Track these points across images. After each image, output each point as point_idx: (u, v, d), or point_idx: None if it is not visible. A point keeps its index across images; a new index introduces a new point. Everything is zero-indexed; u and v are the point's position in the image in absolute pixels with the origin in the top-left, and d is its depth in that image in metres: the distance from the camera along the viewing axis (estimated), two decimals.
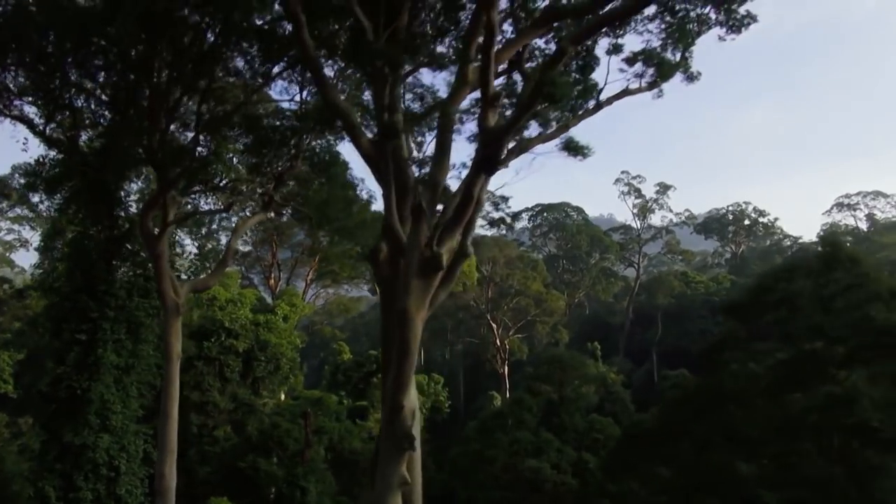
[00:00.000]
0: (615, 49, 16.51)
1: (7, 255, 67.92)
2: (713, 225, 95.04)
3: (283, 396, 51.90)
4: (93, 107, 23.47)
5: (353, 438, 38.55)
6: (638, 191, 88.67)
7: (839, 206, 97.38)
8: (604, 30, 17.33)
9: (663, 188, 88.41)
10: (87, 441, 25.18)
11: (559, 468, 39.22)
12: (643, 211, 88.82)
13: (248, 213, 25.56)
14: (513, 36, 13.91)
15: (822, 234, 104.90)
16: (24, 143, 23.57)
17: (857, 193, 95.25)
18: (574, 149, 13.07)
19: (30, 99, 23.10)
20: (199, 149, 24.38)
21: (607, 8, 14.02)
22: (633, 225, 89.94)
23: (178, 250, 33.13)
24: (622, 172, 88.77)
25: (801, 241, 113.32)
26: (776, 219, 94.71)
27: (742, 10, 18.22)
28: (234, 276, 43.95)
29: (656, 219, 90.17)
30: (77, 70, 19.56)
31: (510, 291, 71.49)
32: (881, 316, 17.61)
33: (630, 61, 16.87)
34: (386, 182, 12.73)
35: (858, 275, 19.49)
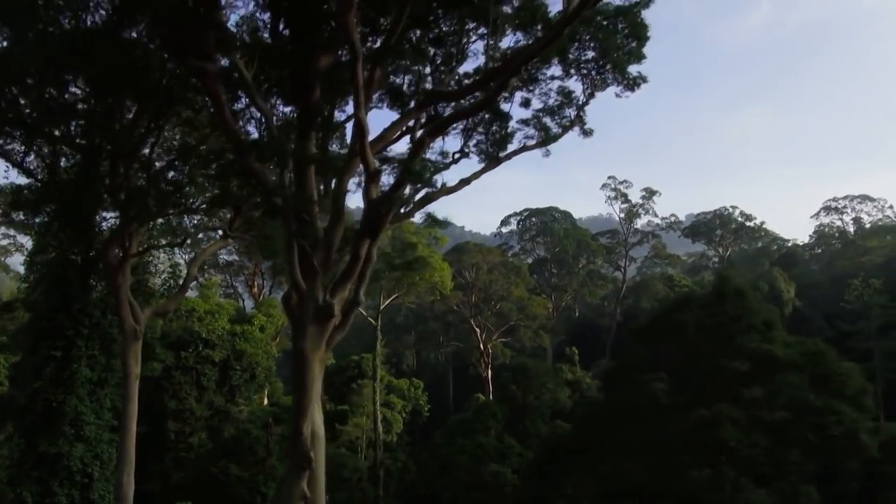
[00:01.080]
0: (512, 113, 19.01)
1: (3, 259, 70.65)
2: (700, 228, 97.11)
3: (265, 401, 54.77)
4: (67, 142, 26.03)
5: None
6: (625, 196, 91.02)
7: (827, 209, 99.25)
8: (516, 84, 19.99)
9: (649, 193, 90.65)
10: (61, 450, 27.84)
11: (520, 473, 41.74)
12: (629, 215, 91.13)
13: (209, 241, 27.95)
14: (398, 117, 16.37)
15: (812, 236, 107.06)
16: (4, 173, 26.04)
17: (845, 197, 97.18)
18: (436, 221, 15.57)
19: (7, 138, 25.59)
20: (172, 173, 26.95)
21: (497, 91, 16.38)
22: (620, 229, 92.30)
23: (153, 269, 35.87)
24: (609, 178, 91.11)
25: (789, 243, 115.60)
26: (762, 222, 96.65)
27: (634, 72, 20.71)
28: (213, 287, 46.58)
29: (642, 223, 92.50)
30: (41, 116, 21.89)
31: (493, 297, 73.93)
32: (754, 345, 19.94)
33: (525, 122, 19.37)
34: (289, 242, 15.23)
35: (742, 307, 21.84)
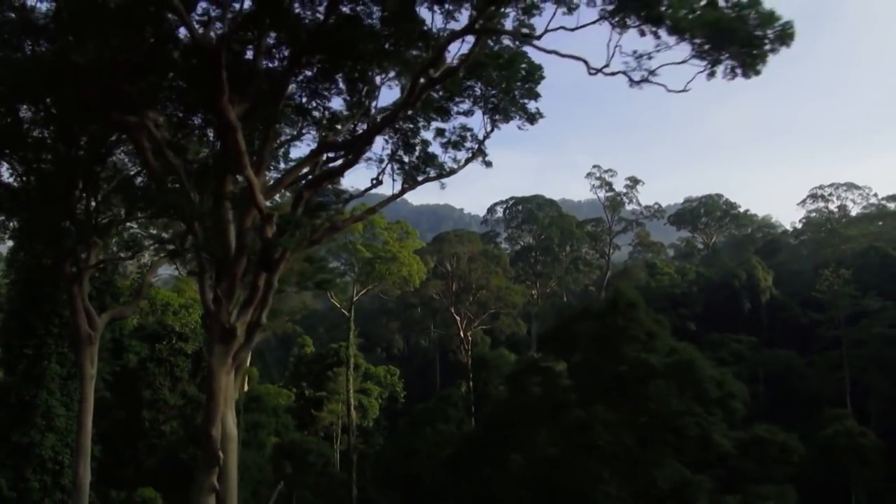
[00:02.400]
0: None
1: None
2: (685, 217, 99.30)
3: (245, 387, 58.08)
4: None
5: (288, 431, 44.28)
6: (609, 185, 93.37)
7: (813, 196, 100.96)
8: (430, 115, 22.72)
9: (633, 182, 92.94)
10: (34, 440, 31.11)
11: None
12: (614, 204, 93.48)
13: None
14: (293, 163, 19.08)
15: (798, 224, 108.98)
16: None
17: (831, 185, 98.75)
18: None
19: None
20: (140, 180, 29.72)
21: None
22: (604, 217, 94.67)
23: (121, 271, 38.93)
24: (594, 167, 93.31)
25: (780, 230, 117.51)
26: (747, 210, 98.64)
27: (532, 107, 23.35)
28: (188, 282, 49.54)
29: (628, 210, 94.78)
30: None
31: (472, 286, 76.66)
32: (634, 355, 22.68)
33: (427, 157, 22.06)
34: (200, 273, 18.06)
35: (631, 319, 24.53)
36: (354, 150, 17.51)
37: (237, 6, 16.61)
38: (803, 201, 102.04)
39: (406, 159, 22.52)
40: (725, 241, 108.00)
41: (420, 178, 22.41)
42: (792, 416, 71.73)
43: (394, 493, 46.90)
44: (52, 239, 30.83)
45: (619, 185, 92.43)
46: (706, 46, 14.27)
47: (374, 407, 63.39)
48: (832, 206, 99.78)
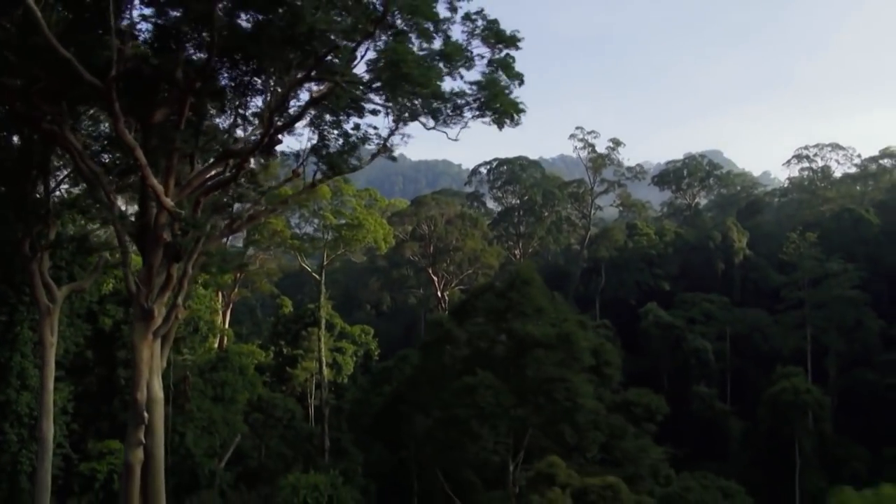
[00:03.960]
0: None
1: None
2: (668, 177, 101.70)
3: (225, 343, 62.63)
4: None
5: (255, 388, 48.50)
6: (592, 146, 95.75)
7: (798, 157, 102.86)
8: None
9: (615, 143, 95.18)
10: (9, 398, 35.21)
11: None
12: (596, 165, 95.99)
13: None
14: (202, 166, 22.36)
15: (784, 184, 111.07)
16: None
17: (816, 145, 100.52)
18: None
19: None
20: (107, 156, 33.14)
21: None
22: (586, 179, 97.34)
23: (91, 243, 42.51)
24: (577, 128, 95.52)
25: (769, 188, 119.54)
26: (729, 171, 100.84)
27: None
28: None
29: (609, 173, 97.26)
30: None
31: (449, 248, 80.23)
32: (521, 327, 26.21)
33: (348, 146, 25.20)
34: (123, 262, 21.59)
35: (523, 295, 27.96)
36: (232, 175, 20.89)
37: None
38: (788, 162, 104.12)
39: (324, 153, 25.66)
40: (713, 202, 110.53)
41: (334, 172, 25.60)
42: (756, 373, 75.79)
43: (359, 442, 51.33)
44: (7, 222, 34.47)
45: (602, 146, 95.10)
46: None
47: (349, 364, 67.57)
48: (816, 167, 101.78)
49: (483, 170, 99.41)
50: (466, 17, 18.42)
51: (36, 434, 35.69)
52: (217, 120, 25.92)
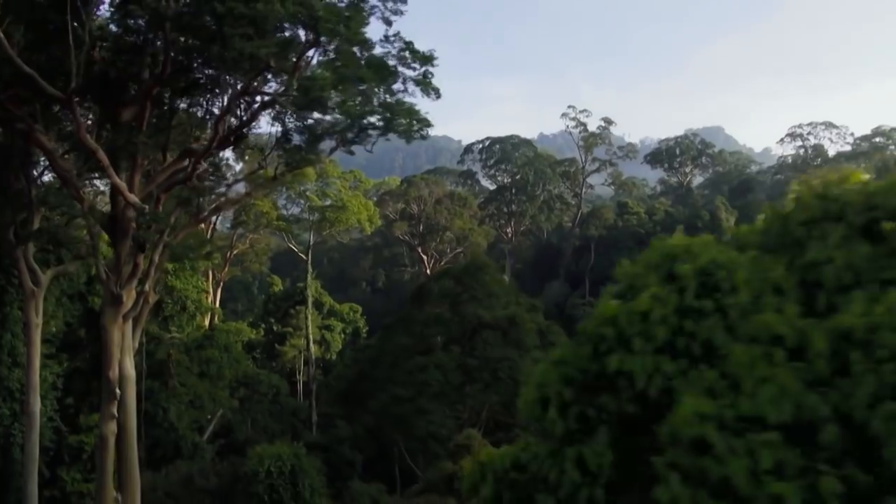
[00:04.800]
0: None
1: None
2: (661, 156, 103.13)
3: (217, 319, 65.27)
4: None
5: (240, 365, 51.05)
6: (584, 125, 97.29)
7: (791, 136, 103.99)
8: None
9: (607, 122, 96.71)
10: (1, 374, 37.81)
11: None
12: (588, 144, 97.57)
13: None
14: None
15: (779, 162, 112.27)
16: None
17: (809, 124, 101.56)
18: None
19: None
20: None
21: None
22: (578, 158, 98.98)
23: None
24: (569, 107, 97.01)
25: (764, 165, 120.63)
26: (720, 150, 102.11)
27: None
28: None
29: (601, 151, 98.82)
30: None
31: (437, 227, 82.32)
32: (471, 310, 28.45)
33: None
34: (94, 252, 23.83)
35: (476, 280, 30.15)
36: (191, 171, 23.07)
37: None
38: (782, 140, 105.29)
39: (287, 146, 27.72)
40: (707, 181, 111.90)
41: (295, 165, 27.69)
42: None
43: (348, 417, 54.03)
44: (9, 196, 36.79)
45: (594, 125, 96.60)
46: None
47: (337, 341, 70.23)
48: (809, 146, 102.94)
49: (476, 149, 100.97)
50: (386, 39, 20.35)
51: (22, 409, 38.58)
52: (193, 109, 28.02)
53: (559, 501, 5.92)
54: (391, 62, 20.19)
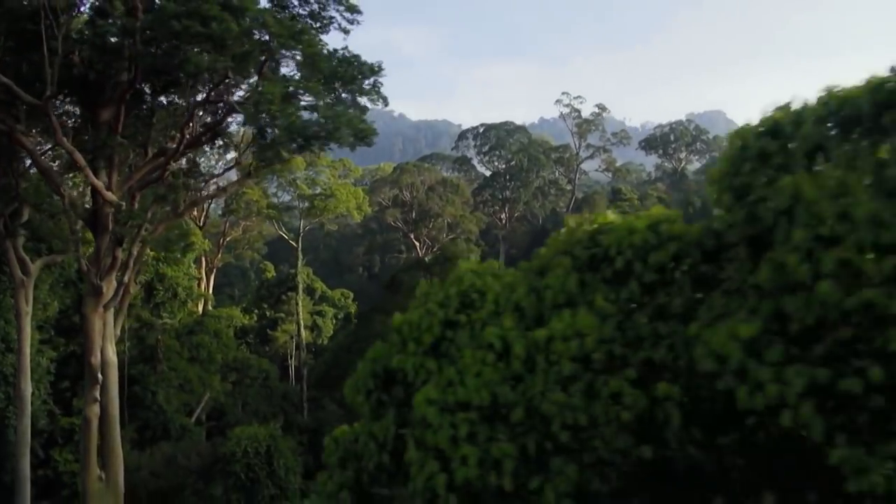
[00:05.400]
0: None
1: None
2: (655, 142, 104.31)
3: (210, 306, 67.19)
4: None
5: (230, 350, 53.03)
6: (578, 111, 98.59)
7: None
8: None
9: (601, 109, 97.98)
10: None
11: None
12: (581, 130, 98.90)
13: None
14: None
15: None
16: None
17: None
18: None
19: None
20: None
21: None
22: (571, 144, 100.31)
23: None
24: (563, 93, 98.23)
25: None
26: (715, 136, 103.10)
27: None
28: None
29: (595, 137, 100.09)
30: None
31: (429, 214, 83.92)
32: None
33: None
34: (75, 247, 25.59)
35: (447, 271, 31.90)
36: (161, 171, 24.80)
37: None
38: None
39: (262, 143, 29.33)
40: (704, 166, 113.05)
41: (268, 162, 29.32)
42: None
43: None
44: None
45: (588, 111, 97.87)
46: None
47: (329, 326, 72.16)
48: None
49: (470, 135, 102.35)
50: (335, 52, 21.80)
51: (14, 393, 40.60)
52: (173, 107, 29.61)
53: (367, 465, 7.82)
54: (342, 71, 21.73)
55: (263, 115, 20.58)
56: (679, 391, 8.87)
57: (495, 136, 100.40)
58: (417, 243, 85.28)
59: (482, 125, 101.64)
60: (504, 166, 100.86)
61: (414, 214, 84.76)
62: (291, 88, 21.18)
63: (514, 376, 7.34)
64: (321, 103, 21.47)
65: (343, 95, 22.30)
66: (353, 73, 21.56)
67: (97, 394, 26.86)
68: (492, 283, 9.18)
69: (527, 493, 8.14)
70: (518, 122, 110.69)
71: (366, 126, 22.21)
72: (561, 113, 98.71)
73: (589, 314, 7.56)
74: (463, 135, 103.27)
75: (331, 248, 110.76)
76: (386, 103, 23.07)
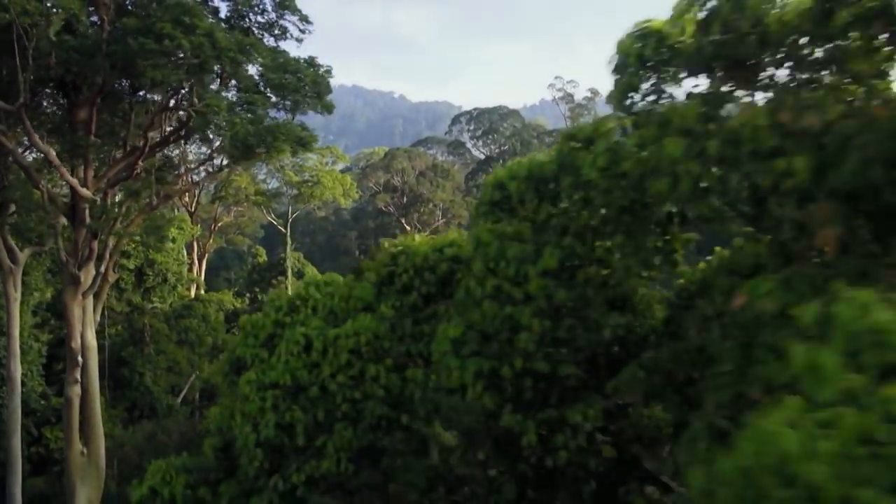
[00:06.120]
0: None
1: None
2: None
3: (202, 290, 69.58)
4: None
5: (217, 334, 55.42)
6: (571, 96, 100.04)
7: None
8: None
9: (593, 93, 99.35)
10: None
11: None
12: (574, 115, 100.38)
13: None
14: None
15: None
16: None
17: None
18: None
19: None
20: None
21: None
22: (565, 128, 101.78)
23: None
24: (555, 78, 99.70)
25: None
26: None
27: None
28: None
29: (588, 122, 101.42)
30: None
31: (420, 199, 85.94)
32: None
33: None
34: (55, 239, 27.80)
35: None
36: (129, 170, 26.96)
37: None
38: None
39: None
40: None
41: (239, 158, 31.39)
42: None
43: None
44: None
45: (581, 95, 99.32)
46: None
47: None
48: None
49: (463, 119, 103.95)
50: (284, 64, 23.87)
51: (6, 374, 43.15)
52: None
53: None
54: (288, 81, 23.72)
55: (211, 124, 22.62)
56: (423, 373, 12.64)
57: (488, 121, 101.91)
58: (409, 228, 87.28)
59: (475, 109, 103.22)
60: (498, 150, 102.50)
61: (405, 199, 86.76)
62: (235, 99, 23.27)
63: (312, 364, 10.63)
64: (260, 112, 23.49)
65: (286, 102, 24.20)
66: (297, 84, 23.55)
67: (78, 375, 29.23)
68: (313, 293, 12.36)
69: (315, 448, 11.47)
70: (520, 104, 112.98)
71: (307, 134, 24.26)
72: (554, 97, 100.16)
73: (371, 317, 10.61)
74: (457, 119, 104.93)
75: (326, 231, 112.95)
76: (330, 111, 25.08)
